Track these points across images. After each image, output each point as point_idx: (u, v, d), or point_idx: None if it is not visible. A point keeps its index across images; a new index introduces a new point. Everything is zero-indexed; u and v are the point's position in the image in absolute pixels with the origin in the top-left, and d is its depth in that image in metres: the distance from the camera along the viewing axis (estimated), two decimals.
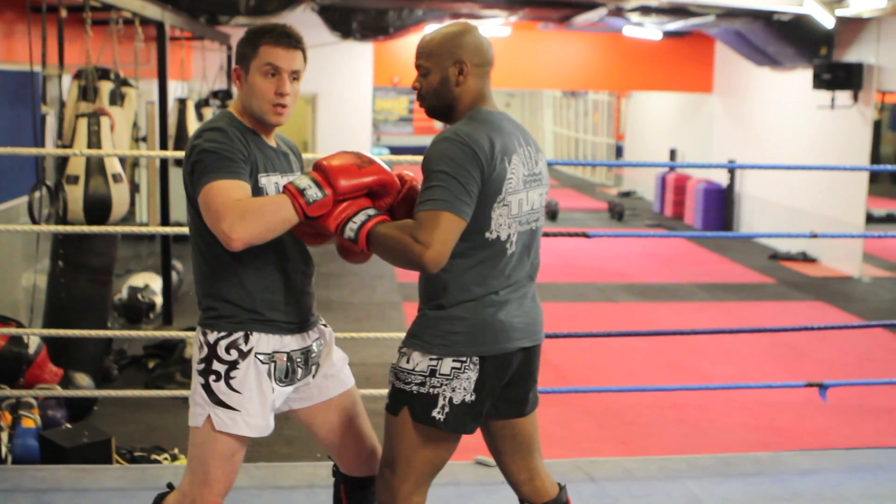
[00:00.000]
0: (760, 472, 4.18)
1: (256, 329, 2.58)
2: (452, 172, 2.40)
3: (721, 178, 15.51)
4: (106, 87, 6.23)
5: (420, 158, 4.65)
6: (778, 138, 13.66)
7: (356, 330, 8.12)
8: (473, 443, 2.85)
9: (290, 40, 2.57)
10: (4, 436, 4.67)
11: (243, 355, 2.57)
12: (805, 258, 12.70)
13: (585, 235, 4.32)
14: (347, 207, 2.46)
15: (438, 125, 17.59)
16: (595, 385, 6.74)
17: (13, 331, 5.20)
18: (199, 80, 12.42)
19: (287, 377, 2.64)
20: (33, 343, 5.56)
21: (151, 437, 5.61)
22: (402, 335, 4.64)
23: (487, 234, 2.49)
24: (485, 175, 2.44)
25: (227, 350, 2.57)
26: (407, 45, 14.36)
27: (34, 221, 5.54)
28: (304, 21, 12.25)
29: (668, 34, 14.31)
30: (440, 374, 2.51)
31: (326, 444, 2.87)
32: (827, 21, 10.71)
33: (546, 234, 2.73)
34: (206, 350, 2.59)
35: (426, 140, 28.79)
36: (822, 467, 4.26)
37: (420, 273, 2.55)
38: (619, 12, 11.55)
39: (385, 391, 4.39)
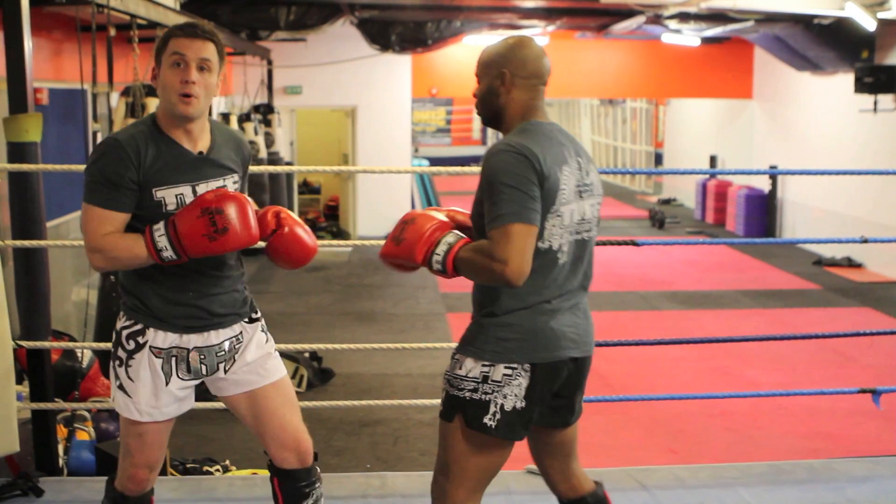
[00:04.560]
0: (814, 480, 4.15)
1: (153, 325, 2.69)
2: (513, 183, 2.43)
3: (763, 184, 15.39)
4: (153, 103, 6.29)
5: (458, 169, 4.70)
6: (820, 143, 13.54)
7: (400, 341, 8.16)
8: (525, 452, 2.87)
9: (196, 30, 2.60)
10: (61, 448, 4.74)
11: (139, 347, 2.70)
12: (850, 263, 12.57)
13: (634, 244, 4.31)
14: (428, 239, 2.52)
15: (476, 135, 17.80)
16: (641, 393, 6.71)
17: (66, 345, 5.27)
18: (241, 95, 12.57)
19: (189, 371, 2.74)
20: (86, 357, 5.64)
21: (202, 448, 5.67)
22: (448, 345, 4.68)
23: (539, 244, 2.51)
24: (540, 184, 2.47)
25: (128, 340, 2.71)
26: (445, 57, 14.41)
27: None
28: (343, 34, 12.37)
29: (706, 40, 14.24)
30: (492, 381, 2.54)
31: (254, 433, 2.93)
32: (868, 24, 10.62)
33: (595, 243, 2.75)
34: (114, 335, 2.76)
35: (464, 151, 28.81)
36: (876, 474, 4.21)
37: (474, 283, 2.61)
38: (657, 19, 11.53)
39: (431, 401, 4.41)
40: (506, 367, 2.53)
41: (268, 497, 3.90)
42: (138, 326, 2.70)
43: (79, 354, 5.55)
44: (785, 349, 8.22)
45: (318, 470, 2.96)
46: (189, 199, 2.63)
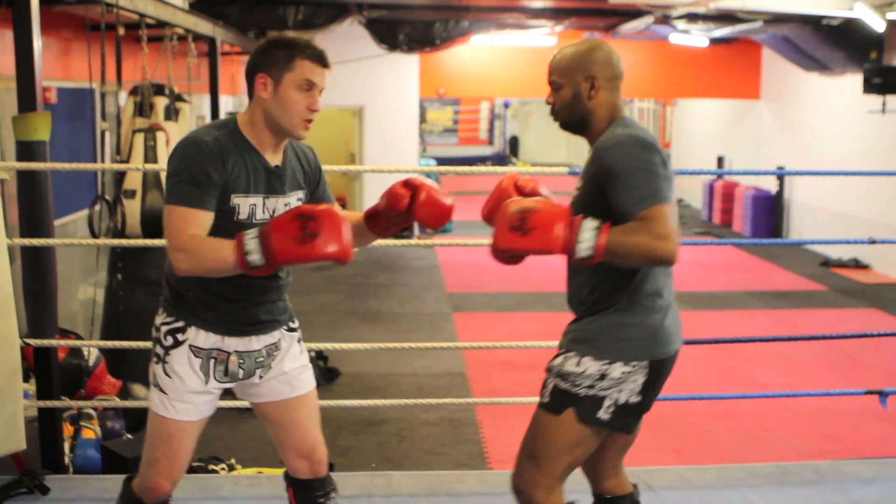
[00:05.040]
0: (820, 481, 4.14)
1: (195, 323, 2.68)
2: (645, 166, 2.45)
3: (770, 184, 15.37)
4: (161, 102, 6.31)
5: (466, 168, 4.71)
6: (827, 144, 13.52)
7: (406, 340, 8.15)
8: None
9: (325, 59, 2.63)
10: (66, 446, 4.75)
11: (178, 344, 2.68)
12: (857, 265, 12.54)
13: None
14: (568, 226, 2.44)
15: (482, 135, 17.85)
16: None
17: (73, 343, 5.29)
18: None
19: (227, 374, 2.73)
20: (92, 355, 5.65)
21: (207, 447, 5.67)
22: (454, 345, 4.67)
23: None
24: (666, 168, 2.50)
25: (166, 336, 2.70)
26: (453, 57, 14.40)
27: (94, 235, 5.62)
28: (351, 34, 12.36)
29: (714, 41, 14.21)
30: (610, 378, 2.56)
31: (275, 441, 2.93)
32: (877, 25, 10.58)
33: None
34: (153, 332, 2.73)
35: (471, 151, 28.71)
36: (882, 475, 4.21)
37: (575, 278, 2.67)
38: (665, 20, 11.50)
39: (437, 401, 4.42)
40: (625, 366, 2.55)
41: (272, 496, 3.92)
42: (180, 323, 2.68)
43: (85, 353, 5.56)
44: (791, 350, 8.20)
45: (334, 480, 2.96)
46: (260, 210, 2.62)
